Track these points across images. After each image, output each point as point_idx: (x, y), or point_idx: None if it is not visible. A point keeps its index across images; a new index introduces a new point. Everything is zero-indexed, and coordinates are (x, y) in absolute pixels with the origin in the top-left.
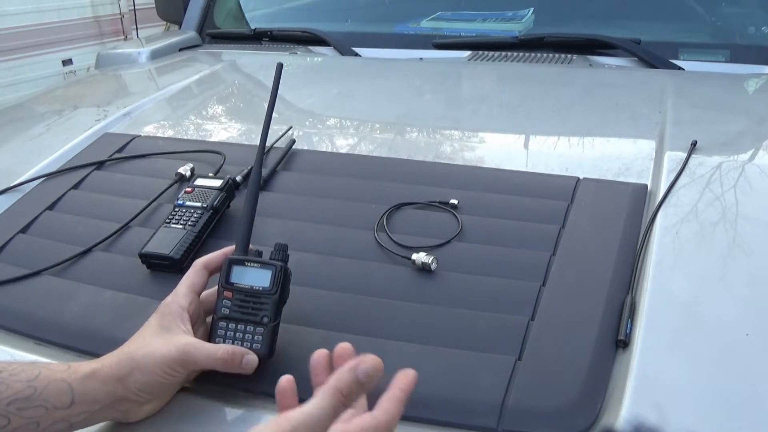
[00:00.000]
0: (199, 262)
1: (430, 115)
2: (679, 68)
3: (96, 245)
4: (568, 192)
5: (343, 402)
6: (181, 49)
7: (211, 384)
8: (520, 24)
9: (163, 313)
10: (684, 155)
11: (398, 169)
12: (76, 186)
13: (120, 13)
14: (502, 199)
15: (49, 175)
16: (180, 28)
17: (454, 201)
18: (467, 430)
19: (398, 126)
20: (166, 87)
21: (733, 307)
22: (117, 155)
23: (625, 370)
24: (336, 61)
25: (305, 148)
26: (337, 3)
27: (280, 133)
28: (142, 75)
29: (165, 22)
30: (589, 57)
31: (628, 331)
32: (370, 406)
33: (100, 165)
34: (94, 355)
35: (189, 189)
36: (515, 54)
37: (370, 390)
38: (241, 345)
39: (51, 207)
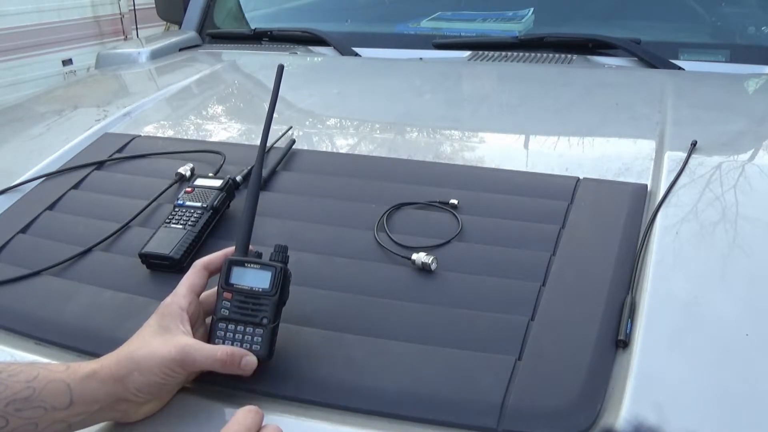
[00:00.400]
0: (199, 263)
1: (430, 115)
2: (679, 68)
3: (96, 245)
4: (568, 192)
5: None
6: (181, 49)
7: (210, 384)
8: (520, 24)
9: (163, 314)
10: (684, 155)
11: (398, 169)
12: (76, 186)
13: (120, 13)
14: (502, 199)
15: (49, 175)
16: (180, 28)
17: (454, 201)
18: (467, 430)
19: (398, 126)
20: (166, 87)
21: (733, 307)
22: (117, 155)
23: (625, 370)
24: (336, 61)
25: (305, 148)
26: (337, 3)
27: (280, 133)
28: (142, 75)
29: (165, 22)
30: (589, 57)
31: (628, 331)
32: None
33: (100, 165)
34: (94, 355)
35: (189, 189)
36: (515, 54)
37: None
38: (241, 346)
39: (51, 207)
